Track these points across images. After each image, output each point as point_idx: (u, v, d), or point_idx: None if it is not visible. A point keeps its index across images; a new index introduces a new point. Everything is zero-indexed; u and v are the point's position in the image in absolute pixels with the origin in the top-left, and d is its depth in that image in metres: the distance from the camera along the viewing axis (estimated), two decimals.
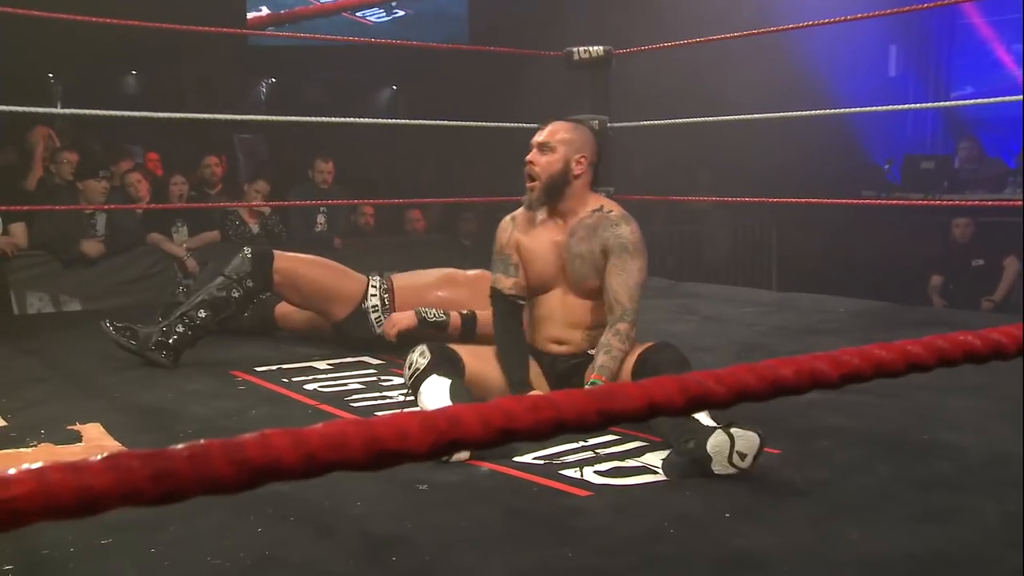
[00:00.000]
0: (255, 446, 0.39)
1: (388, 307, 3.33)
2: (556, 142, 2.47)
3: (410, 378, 2.40)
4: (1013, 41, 8.74)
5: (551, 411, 0.45)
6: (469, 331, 3.12)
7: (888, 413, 2.41)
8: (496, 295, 2.54)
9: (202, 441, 0.39)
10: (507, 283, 2.53)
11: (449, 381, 2.35)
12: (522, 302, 2.54)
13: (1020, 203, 5.71)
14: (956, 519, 1.71)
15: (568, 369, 2.50)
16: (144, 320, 3.29)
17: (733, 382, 0.50)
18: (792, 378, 0.53)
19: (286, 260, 3.25)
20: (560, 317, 2.52)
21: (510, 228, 2.57)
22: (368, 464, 0.41)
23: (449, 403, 2.28)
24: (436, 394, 2.35)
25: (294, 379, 2.93)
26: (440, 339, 2.81)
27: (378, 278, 3.43)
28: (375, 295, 3.36)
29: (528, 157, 2.49)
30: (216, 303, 3.15)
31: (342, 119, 4.72)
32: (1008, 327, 0.74)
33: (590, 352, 2.47)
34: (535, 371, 2.52)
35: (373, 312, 3.34)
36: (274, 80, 8.77)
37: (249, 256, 3.22)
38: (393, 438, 0.41)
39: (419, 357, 2.40)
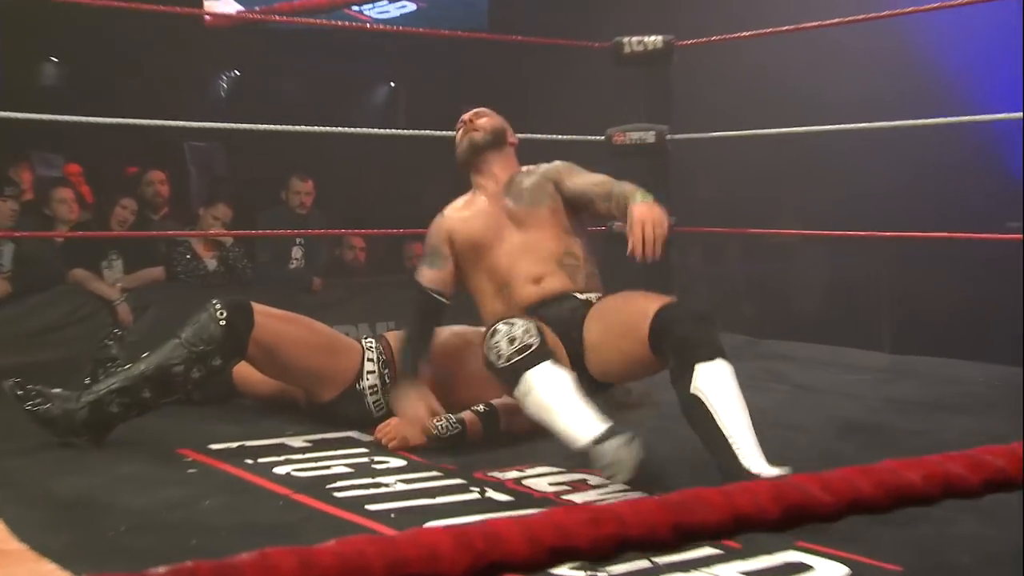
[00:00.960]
0: (254, 569, 0.40)
1: (388, 384, 3.33)
2: (490, 113, 3.32)
3: (513, 356, 2.60)
4: None
5: (614, 525, 0.46)
6: (492, 429, 3.10)
7: None
8: (416, 288, 3.14)
9: (189, 563, 0.40)
10: (428, 275, 3.14)
11: (569, 374, 2.60)
12: (442, 300, 3.13)
13: None
14: None
15: (569, 316, 2.90)
16: (66, 381, 3.30)
17: (843, 488, 0.51)
18: (920, 484, 0.54)
19: (268, 329, 3.20)
20: (526, 254, 3.03)
21: (439, 222, 3.21)
22: None
23: (579, 403, 2.57)
24: (557, 388, 2.57)
25: (260, 460, 2.94)
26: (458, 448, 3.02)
27: (373, 344, 3.42)
28: (373, 371, 3.35)
29: (465, 116, 3.29)
30: (167, 381, 3.10)
31: (325, 128, 4.77)
32: None
33: (580, 296, 2.98)
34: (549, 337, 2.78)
35: (371, 394, 3.35)
36: (238, 73, 8.86)
37: (222, 320, 3.13)
38: (421, 559, 0.43)
39: (524, 333, 2.62)
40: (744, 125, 5.15)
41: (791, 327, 6.53)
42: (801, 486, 0.53)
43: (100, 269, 5.52)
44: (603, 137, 4.87)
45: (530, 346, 2.61)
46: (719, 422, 2.54)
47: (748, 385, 3.03)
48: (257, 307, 3.24)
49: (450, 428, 3.03)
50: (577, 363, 2.85)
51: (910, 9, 4.57)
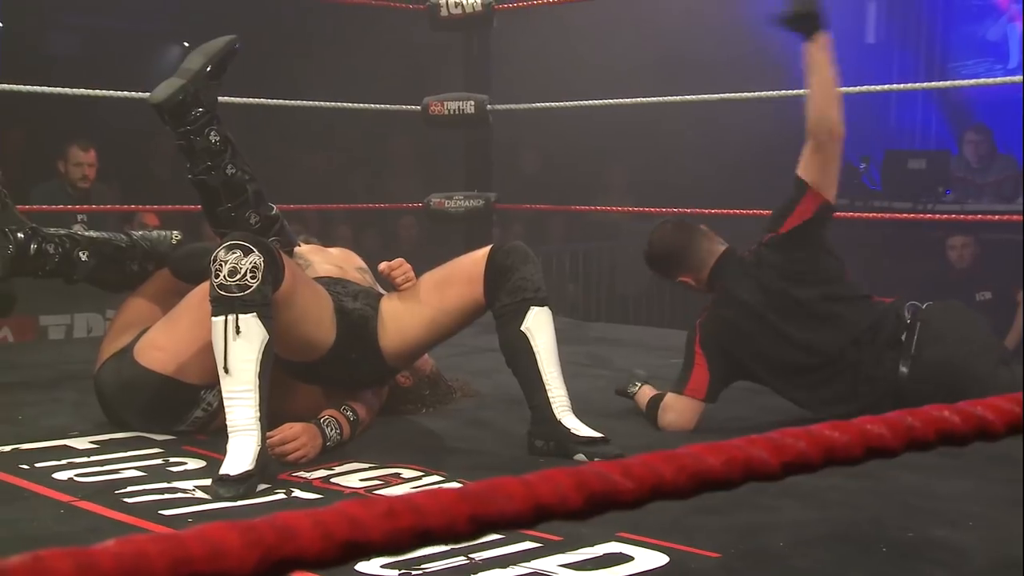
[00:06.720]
0: (23, 572, 0.41)
1: None
2: None
3: (229, 288, 2.57)
4: None
5: (411, 517, 0.49)
6: (353, 434, 3.08)
7: (861, 501, 2.51)
8: None
9: None
10: None
11: (264, 337, 2.65)
12: None
13: None
14: None
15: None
16: None
17: (645, 474, 0.55)
18: (721, 469, 0.58)
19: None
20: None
21: None
22: None
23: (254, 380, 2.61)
24: (246, 348, 2.60)
25: (38, 465, 2.86)
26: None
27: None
28: None
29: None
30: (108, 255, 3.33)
31: (107, 92, 4.65)
32: (998, 398, 0.80)
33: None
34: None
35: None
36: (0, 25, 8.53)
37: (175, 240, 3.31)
38: (207, 557, 0.44)
39: (250, 271, 2.59)
40: (567, 96, 5.22)
41: (617, 309, 6.69)
42: (603, 473, 0.56)
43: None
44: (419, 107, 4.87)
45: (247, 288, 2.56)
46: (540, 365, 2.92)
47: (572, 371, 3.10)
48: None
49: (338, 437, 2.97)
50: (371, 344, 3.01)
51: None
